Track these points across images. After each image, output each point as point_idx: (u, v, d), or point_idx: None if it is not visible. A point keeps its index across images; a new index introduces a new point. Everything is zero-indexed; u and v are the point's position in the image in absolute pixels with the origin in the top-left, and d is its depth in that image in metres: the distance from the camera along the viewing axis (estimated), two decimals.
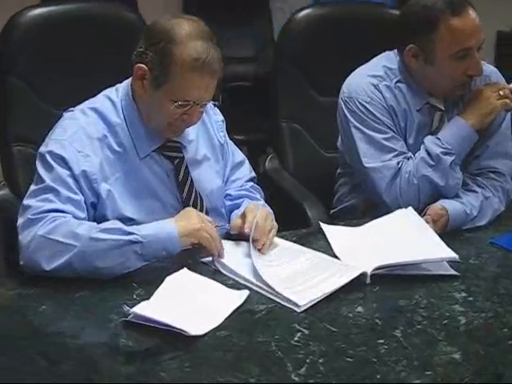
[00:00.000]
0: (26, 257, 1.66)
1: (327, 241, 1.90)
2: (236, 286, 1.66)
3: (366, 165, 2.09)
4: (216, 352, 1.41)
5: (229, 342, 1.44)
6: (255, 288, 1.64)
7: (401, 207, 2.02)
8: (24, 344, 1.43)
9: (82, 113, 1.84)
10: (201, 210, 1.90)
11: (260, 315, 1.55)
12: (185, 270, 1.67)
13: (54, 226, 1.65)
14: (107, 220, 1.78)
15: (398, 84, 2.12)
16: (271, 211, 1.96)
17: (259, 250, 1.78)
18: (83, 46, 2.24)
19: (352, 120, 2.13)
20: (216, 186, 1.99)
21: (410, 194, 2.04)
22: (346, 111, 2.14)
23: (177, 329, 1.44)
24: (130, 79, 1.88)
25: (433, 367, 1.37)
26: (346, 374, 1.35)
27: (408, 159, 2.08)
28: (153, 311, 1.48)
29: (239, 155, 2.12)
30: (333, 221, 2.25)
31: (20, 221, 1.70)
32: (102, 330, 1.48)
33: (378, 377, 1.34)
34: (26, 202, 1.73)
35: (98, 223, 1.76)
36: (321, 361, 1.38)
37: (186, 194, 1.89)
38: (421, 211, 2.01)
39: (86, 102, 1.89)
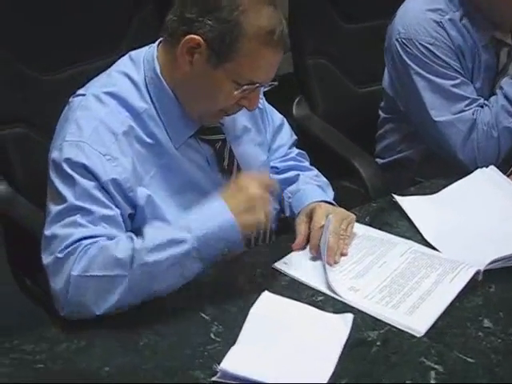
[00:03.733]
0: (67, 305, 1.31)
1: (408, 219, 1.61)
2: (329, 303, 1.37)
3: (436, 119, 1.77)
4: None
5: None
6: (354, 305, 1.36)
7: (477, 164, 1.74)
8: None
9: (97, 100, 1.43)
10: None
11: (376, 348, 1.26)
12: (266, 293, 1.36)
13: (89, 259, 1.30)
14: None
15: (462, 16, 1.78)
16: (332, 190, 1.66)
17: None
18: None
19: (413, 65, 1.79)
20: (262, 161, 1.65)
21: (489, 149, 1.75)
22: (403, 55, 1.80)
23: None
24: (151, 48, 1.49)
25: None
26: None
27: (482, 107, 1.77)
28: (248, 365, 1.18)
29: (278, 116, 1.76)
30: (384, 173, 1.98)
31: (47, 259, 1.34)
32: None
33: None
34: (48, 230, 1.35)
35: (139, 234, 1.42)
36: None
37: None
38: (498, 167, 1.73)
39: (97, 81, 1.49)
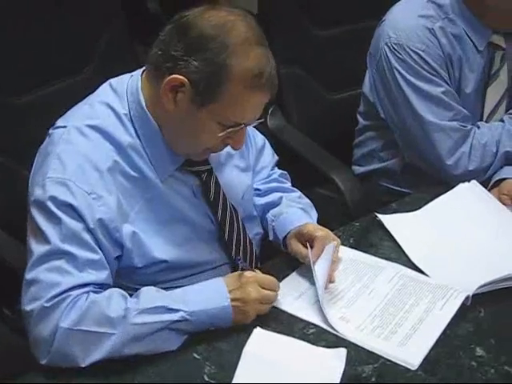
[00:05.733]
0: (51, 354, 1.27)
1: (393, 239, 1.60)
2: (321, 337, 1.35)
3: (427, 120, 1.76)
4: None
5: None
6: (346, 338, 1.35)
7: (465, 176, 1.76)
8: None
9: (80, 133, 1.38)
10: (238, 227, 1.55)
11: (371, 383, 1.26)
12: (258, 330, 1.34)
13: (80, 313, 1.26)
14: (135, 268, 1.42)
15: (451, 24, 1.78)
16: (315, 212, 1.64)
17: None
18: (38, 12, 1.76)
19: (401, 71, 1.78)
20: (246, 187, 1.62)
21: (480, 170, 1.77)
22: (392, 60, 1.79)
23: None
24: (134, 78, 1.43)
25: None
26: None
27: (479, 127, 1.80)
28: None
29: (259, 137, 1.73)
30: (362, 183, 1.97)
31: (29, 305, 1.28)
32: None
33: None
34: (30, 274, 1.30)
35: (125, 273, 1.42)
36: None
37: (221, 214, 1.51)
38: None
39: (79, 112, 1.44)
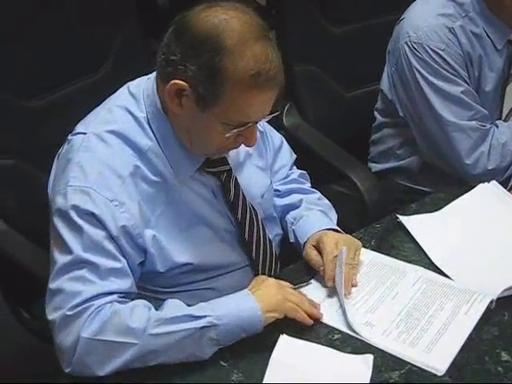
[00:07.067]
0: (73, 363, 1.27)
1: (414, 241, 1.60)
2: (347, 342, 1.36)
3: (447, 120, 1.76)
4: None
5: None
6: (372, 343, 1.35)
7: (484, 176, 1.75)
8: None
9: (100, 139, 1.38)
10: (257, 228, 1.55)
11: None
12: (284, 337, 1.34)
13: (102, 322, 1.26)
14: (158, 273, 1.42)
15: (471, 23, 1.77)
16: (335, 213, 1.65)
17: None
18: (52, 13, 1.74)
19: (421, 70, 1.78)
20: (265, 187, 1.61)
21: (499, 170, 1.77)
22: (412, 59, 1.78)
23: None
24: (150, 81, 1.42)
25: None
26: None
27: (497, 126, 1.80)
28: None
29: (277, 136, 1.72)
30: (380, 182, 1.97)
31: (53, 314, 1.29)
32: None
33: None
34: (54, 283, 1.30)
35: (148, 277, 1.42)
36: None
37: (241, 215, 1.51)
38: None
39: (97, 117, 1.42)
